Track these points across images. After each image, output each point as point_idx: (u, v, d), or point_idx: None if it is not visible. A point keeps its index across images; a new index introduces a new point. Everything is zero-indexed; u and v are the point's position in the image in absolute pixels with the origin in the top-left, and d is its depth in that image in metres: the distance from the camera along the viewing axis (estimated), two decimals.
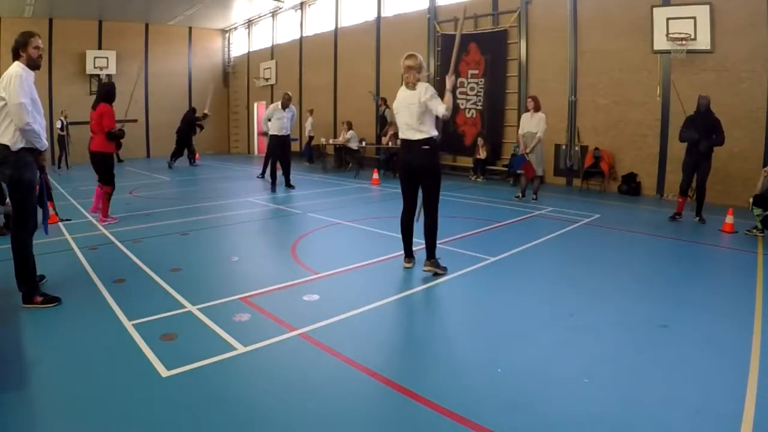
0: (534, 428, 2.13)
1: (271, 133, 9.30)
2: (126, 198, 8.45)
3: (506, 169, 10.79)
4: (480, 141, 11.33)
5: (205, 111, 13.89)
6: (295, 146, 14.94)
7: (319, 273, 4.26)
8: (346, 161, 13.58)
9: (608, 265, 4.71)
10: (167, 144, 15.72)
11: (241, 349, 2.82)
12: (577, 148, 10.06)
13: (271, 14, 18.48)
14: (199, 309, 3.40)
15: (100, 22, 17.24)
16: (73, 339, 2.97)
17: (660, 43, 8.44)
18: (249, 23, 19.78)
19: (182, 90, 19.03)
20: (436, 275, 4.14)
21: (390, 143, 12.36)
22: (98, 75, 17.01)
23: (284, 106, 9.23)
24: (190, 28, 19.53)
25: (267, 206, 7.85)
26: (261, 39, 19.41)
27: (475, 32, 11.58)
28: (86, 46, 16.88)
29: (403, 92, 4.14)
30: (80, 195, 8.51)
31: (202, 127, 14.49)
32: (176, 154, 14.05)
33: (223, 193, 9.44)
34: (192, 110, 14.60)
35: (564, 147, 10.27)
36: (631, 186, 9.16)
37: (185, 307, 3.44)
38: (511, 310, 3.54)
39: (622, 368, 2.67)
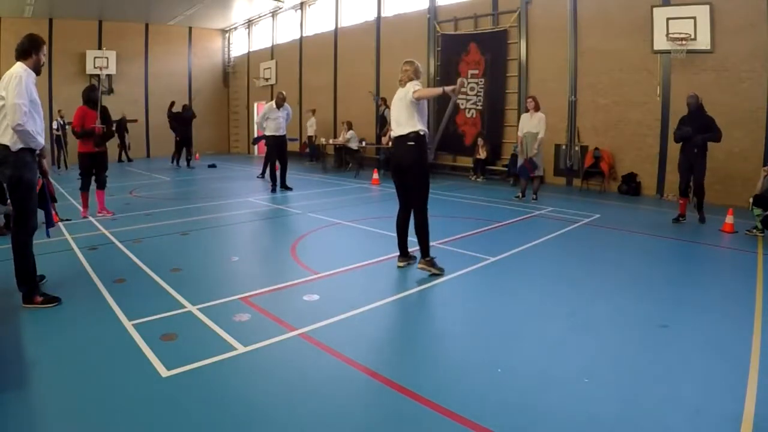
0: (534, 428, 2.13)
1: (267, 133, 9.23)
2: (126, 198, 8.45)
3: (506, 169, 10.79)
4: (480, 141, 11.33)
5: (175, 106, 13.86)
6: (295, 146, 14.98)
7: (319, 273, 4.26)
8: (346, 161, 13.59)
9: (608, 265, 4.71)
10: (167, 144, 15.72)
11: (241, 349, 2.82)
12: (577, 148, 10.06)
13: (271, 14, 18.49)
14: (199, 309, 3.40)
15: (100, 22, 17.25)
16: (73, 339, 2.97)
17: (660, 43, 8.44)
18: (249, 23, 19.78)
19: (182, 90, 19.02)
20: (434, 276, 4.11)
21: (390, 143, 12.36)
22: (98, 75, 17.01)
23: (279, 106, 9.17)
24: (190, 28, 19.53)
25: (267, 206, 7.85)
26: (261, 39, 19.42)
27: (475, 32, 11.58)
28: (86, 46, 16.88)
29: (398, 91, 4.25)
30: (80, 195, 8.50)
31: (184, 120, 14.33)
32: (177, 153, 14.02)
33: (223, 193, 9.44)
34: (188, 108, 14.45)
35: (564, 147, 10.27)
36: (631, 186, 9.16)
37: (185, 307, 3.44)
38: (511, 310, 3.54)
39: (622, 368, 2.67)
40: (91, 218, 6.43)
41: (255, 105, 19.49)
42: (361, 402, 2.40)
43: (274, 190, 9.17)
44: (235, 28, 20.59)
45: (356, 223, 6.34)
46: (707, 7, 8.00)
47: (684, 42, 8.18)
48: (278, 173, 9.40)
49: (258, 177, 11.28)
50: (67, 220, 6.35)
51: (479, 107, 11.62)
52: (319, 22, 16.48)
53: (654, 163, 9.03)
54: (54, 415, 2.23)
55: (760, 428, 2.10)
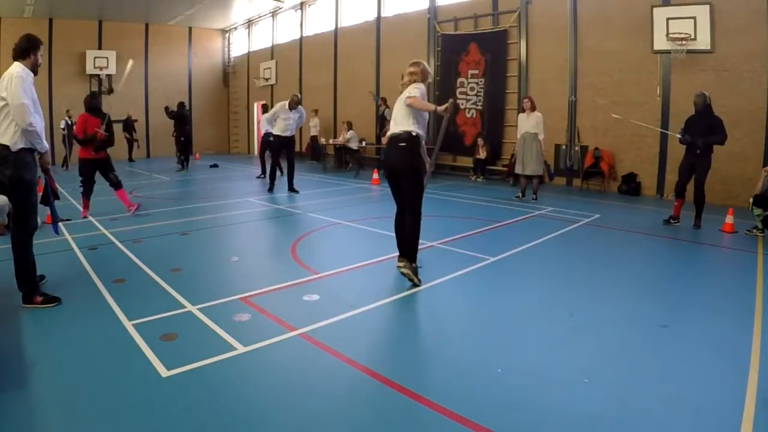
0: (534, 428, 2.13)
1: (275, 133, 8.98)
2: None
3: (506, 169, 10.79)
4: (480, 141, 11.33)
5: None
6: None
7: (319, 273, 4.26)
8: (346, 161, 13.59)
9: (608, 265, 4.71)
10: (167, 144, 15.72)
11: (241, 349, 2.82)
12: (577, 148, 10.06)
13: (271, 14, 18.49)
14: (199, 309, 3.40)
15: (100, 22, 17.25)
16: (73, 339, 2.96)
17: (660, 43, 8.44)
18: (249, 23, 19.78)
19: (182, 90, 19.03)
20: (411, 284, 3.89)
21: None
22: (98, 75, 17.02)
23: (291, 107, 8.94)
24: (190, 28, 19.54)
25: (267, 206, 7.85)
26: (261, 39, 19.42)
27: (475, 32, 11.58)
28: (86, 46, 16.88)
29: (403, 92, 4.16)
30: (80, 195, 8.49)
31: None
32: (184, 154, 13.91)
33: (223, 193, 9.44)
34: (183, 105, 14.33)
35: (564, 147, 10.27)
36: (631, 186, 9.16)
37: (185, 307, 3.44)
38: (511, 310, 3.53)
39: (622, 368, 2.67)
40: (91, 218, 6.42)
41: (255, 105, 19.49)
42: (361, 402, 2.40)
43: (271, 190, 9.10)
44: (235, 28, 20.59)
45: (356, 223, 6.34)
46: (707, 7, 8.00)
47: (684, 42, 8.18)
48: (278, 174, 9.32)
49: (259, 177, 11.27)
50: (67, 220, 6.35)
51: (479, 107, 11.62)
52: (319, 22, 16.49)
53: (654, 163, 9.03)
54: (54, 415, 2.23)
55: (760, 428, 2.10)
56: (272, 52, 18.51)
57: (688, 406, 2.28)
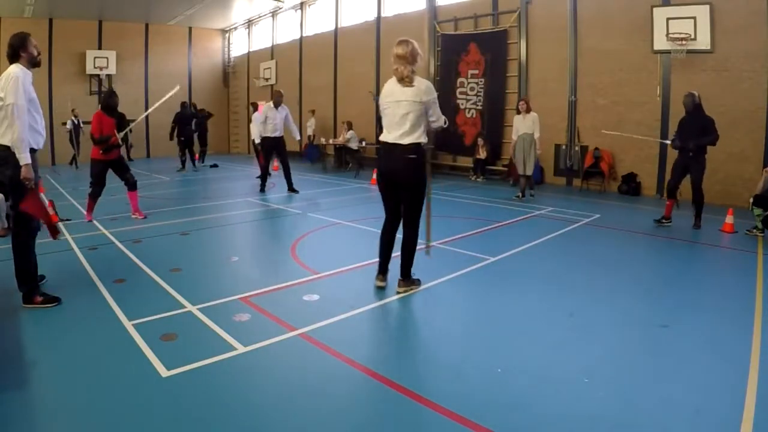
0: (534, 428, 2.13)
1: (264, 135, 8.94)
2: (126, 198, 8.43)
3: (506, 169, 10.79)
4: (480, 141, 11.33)
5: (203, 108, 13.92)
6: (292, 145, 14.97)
7: (319, 273, 4.26)
8: (346, 161, 13.59)
9: (608, 265, 4.71)
10: (167, 144, 15.69)
11: (241, 349, 2.82)
12: (577, 148, 10.06)
13: (271, 14, 18.49)
14: (199, 309, 3.40)
15: (100, 22, 17.25)
16: (73, 339, 2.96)
17: (660, 43, 8.44)
18: (249, 23, 19.78)
19: (182, 90, 18.98)
20: (412, 292, 3.77)
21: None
22: (98, 75, 17.02)
23: (277, 105, 8.94)
24: (190, 28, 19.53)
25: (267, 206, 7.85)
26: (261, 39, 19.42)
27: (475, 32, 11.58)
28: (86, 46, 16.88)
29: (394, 86, 3.53)
30: (80, 195, 8.50)
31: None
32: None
33: (223, 193, 9.44)
34: (186, 106, 14.36)
35: (564, 147, 10.27)
36: (631, 186, 9.16)
37: (185, 307, 3.44)
38: (511, 310, 3.53)
39: (622, 368, 2.67)
40: (94, 221, 6.37)
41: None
42: (360, 402, 2.40)
43: (263, 190, 9.09)
44: (235, 28, 20.59)
45: (356, 223, 6.34)
46: (707, 7, 8.00)
47: (684, 42, 8.18)
48: (271, 174, 9.28)
49: (258, 178, 11.26)
50: (67, 220, 6.35)
51: (479, 107, 11.62)
52: (319, 22, 16.49)
53: (654, 163, 9.03)
54: (54, 415, 2.23)
55: (760, 428, 2.10)
56: (272, 52, 18.51)
57: (688, 406, 2.28)
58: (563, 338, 3.04)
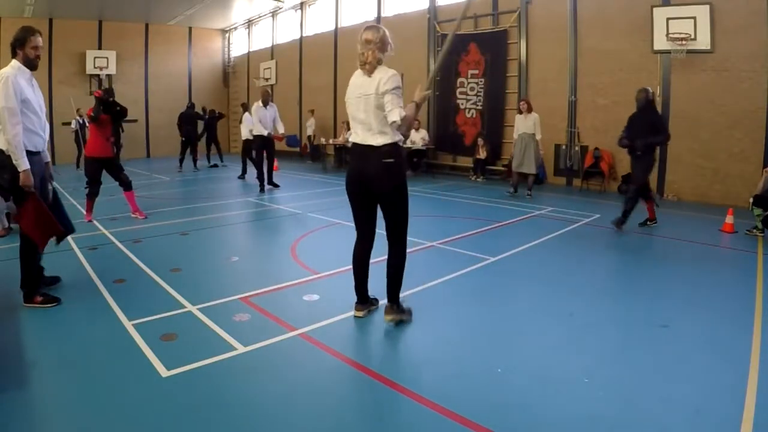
0: (534, 428, 2.13)
1: (255, 133, 9.18)
2: (125, 198, 8.43)
3: (506, 168, 10.79)
4: (480, 141, 11.32)
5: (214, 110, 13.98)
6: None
7: (319, 273, 4.26)
8: (346, 161, 13.59)
9: (608, 265, 4.71)
10: (167, 144, 15.72)
11: (241, 349, 2.82)
12: (577, 148, 10.06)
13: (271, 14, 18.48)
14: (199, 309, 3.40)
15: (100, 22, 17.25)
16: (73, 339, 2.97)
17: (660, 43, 8.44)
18: (249, 23, 19.78)
19: (182, 90, 19.03)
20: (401, 322, 3.22)
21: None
22: (98, 75, 17.03)
23: (265, 103, 9.11)
24: (190, 28, 19.53)
25: (267, 206, 7.85)
26: (261, 39, 19.41)
27: (475, 32, 11.58)
28: (86, 46, 16.88)
29: (357, 78, 3.07)
30: (80, 195, 8.49)
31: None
32: (193, 154, 13.89)
33: (222, 193, 9.44)
34: (193, 106, 14.42)
35: (564, 147, 10.27)
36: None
37: (185, 307, 3.44)
38: (511, 310, 3.54)
39: (622, 368, 2.67)
40: (94, 221, 6.37)
41: (255, 105, 19.45)
42: (360, 401, 2.40)
43: (262, 190, 9.18)
44: (235, 28, 20.59)
45: None
46: (707, 7, 8.00)
47: (684, 42, 8.18)
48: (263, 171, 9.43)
49: (257, 178, 11.25)
50: None
51: (479, 107, 11.62)
52: (319, 22, 16.48)
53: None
54: (54, 415, 2.23)
55: (760, 428, 2.10)
56: (272, 52, 18.50)
57: (688, 406, 2.28)
58: (563, 338, 3.04)
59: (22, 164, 3.17)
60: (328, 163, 14.34)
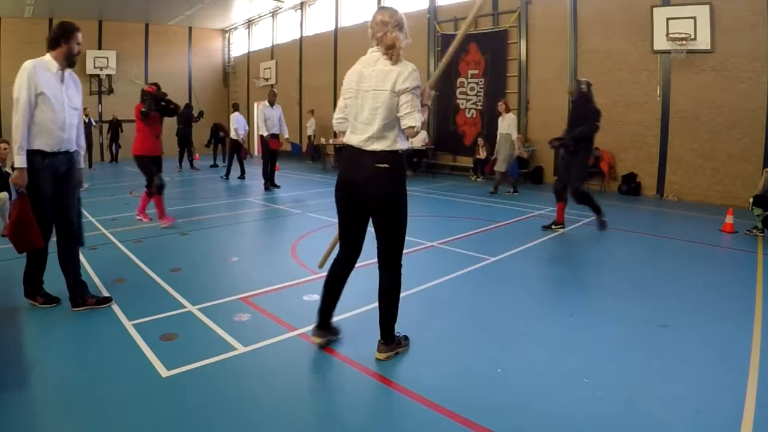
0: (534, 428, 2.13)
1: (260, 132, 9.33)
2: (126, 198, 8.45)
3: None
4: (480, 141, 11.33)
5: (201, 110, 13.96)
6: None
7: (319, 273, 4.25)
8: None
9: (608, 265, 4.71)
10: (167, 144, 15.64)
11: (241, 349, 2.82)
12: None
13: (271, 14, 18.48)
14: (199, 309, 3.40)
15: (100, 22, 17.25)
16: (74, 339, 2.97)
17: (660, 43, 8.45)
18: (249, 23, 19.78)
19: (182, 90, 19.01)
20: (397, 355, 2.80)
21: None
22: (98, 75, 17.03)
23: (272, 104, 9.29)
24: (190, 28, 19.53)
25: (267, 206, 7.85)
26: (261, 39, 19.41)
27: (475, 32, 11.58)
28: (86, 46, 16.75)
29: (366, 67, 2.60)
30: (83, 195, 8.49)
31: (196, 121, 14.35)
32: (180, 156, 13.99)
33: (222, 193, 9.44)
34: (189, 107, 14.46)
35: None
36: (631, 186, 9.17)
37: (185, 307, 3.44)
38: (511, 310, 3.53)
39: (622, 368, 2.67)
40: (91, 218, 6.40)
41: (255, 105, 19.47)
42: (361, 402, 2.40)
43: (267, 188, 9.31)
44: (235, 28, 20.59)
45: None
46: (707, 7, 8.00)
47: (684, 42, 8.19)
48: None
49: (239, 178, 11.25)
50: None
51: (479, 107, 11.62)
52: (319, 22, 16.48)
53: (654, 163, 9.03)
54: (54, 416, 2.22)
55: (760, 428, 2.10)
56: (272, 52, 18.50)
57: (688, 406, 2.28)
58: (563, 338, 3.04)
59: (18, 160, 3.02)
60: (328, 163, 14.34)
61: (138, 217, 6.51)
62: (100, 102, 17.29)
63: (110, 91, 17.35)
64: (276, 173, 9.82)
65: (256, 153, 9.55)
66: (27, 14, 15.23)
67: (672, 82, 8.67)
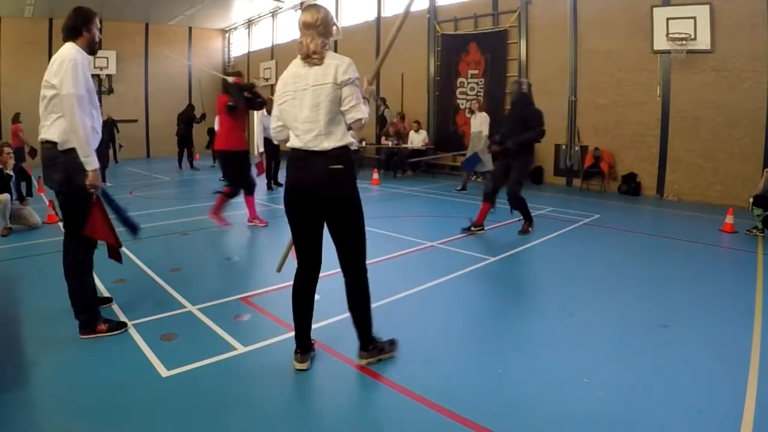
0: (534, 428, 2.13)
1: (265, 135, 9.44)
2: (126, 198, 8.44)
3: None
4: None
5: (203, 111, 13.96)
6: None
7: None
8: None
9: (608, 265, 4.71)
10: (167, 144, 15.70)
11: (241, 349, 2.82)
12: (577, 148, 10.06)
13: (271, 14, 18.48)
14: (199, 309, 3.40)
15: (100, 22, 17.09)
16: (73, 339, 2.96)
17: (660, 43, 8.44)
18: (249, 23, 19.77)
19: (182, 90, 19.02)
20: (380, 361, 2.71)
21: (390, 143, 12.37)
22: (98, 75, 17.02)
23: (269, 112, 9.34)
24: (190, 28, 19.53)
25: (267, 206, 7.85)
26: (261, 39, 19.41)
27: (475, 32, 11.58)
28: None
29: (299, 68, 2.48)
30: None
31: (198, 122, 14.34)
32: (180, 156, 13.97)
33: None
34: (191, 107, 14.47)
35: (564, 147, 10.27)
36: (631, 186, 9.16)
37: (185, 307, 3.44)
38: (511, 310, 3.54)
39: (622, 368, 2.67)
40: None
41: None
42: (361, 402, 2.40)
43: (270, 188, 9.44)
44: (235, 28, 20.59)
45: None
46: (707, 7, 8.00)
47: (684, 42, 8.18)
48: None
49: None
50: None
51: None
52: None
53: (654, 163, 9.03)
54: (54, 416, 2.22)
55: (760, 428, 2.10)
56: (272, 52, 18.50)
57: (688, 406, 2.28)
58: (563, 338, 3.04)
59: (92, 162, 2.73)
60: None
61: (250, 224, 6.18)
62: (100, 102, 17.21)
63: (110, 91, 17.34)
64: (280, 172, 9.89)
65: (256, 153, 9.53)
66: (27, 14, 15.23)
67: (672, 82, 8.67)
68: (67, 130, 2.69)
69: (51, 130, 2.74)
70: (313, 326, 2.79)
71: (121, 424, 2.13)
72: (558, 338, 3.04)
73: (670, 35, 8.27)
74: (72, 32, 2.80)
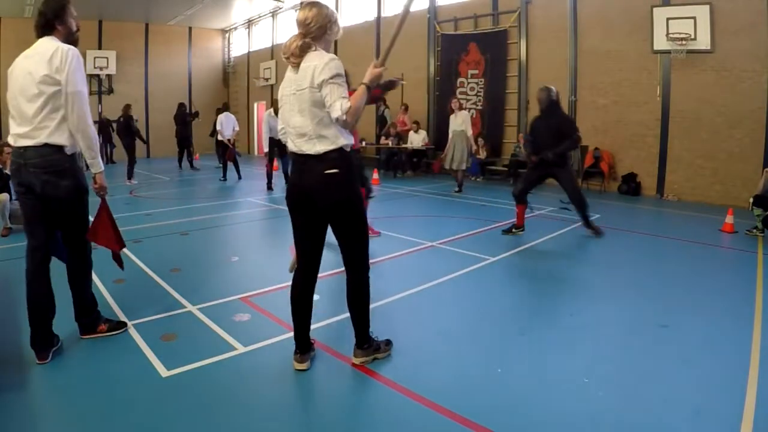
0: (534, 428, 2.13)
1: (271, 135, 9.44)
2: (126, 198, 8.45)
3: (506, 168, 10.80)
4: (480, 141, 11.33)
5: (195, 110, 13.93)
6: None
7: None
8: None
9: (608, 265, 4.71)
10: (167, 144, 15.69)
11: (241, 349, 2.82)
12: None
13: (271, 14, 18.48)
14: (199, 309, 3.40)
15: (100, 22, 17.25)
16: (73, 339, 2.96)
17: (660, 43, 8.44)
18: (249, 23, 19.78)
19: (182, 90, 19.03)
20: (376, 360, 2.73)
21: (390, 143, 12.37)
22: (98, 75, 17.04)
23: (276, 112, 9.36)
24: (190, 28, 19.54)
25: (267, 206, 7.85)
26: (261, 39, 19.41)
27: (475, 32, 11.58)
28: (86, 46, 16.85)
29: (289, 71, 2.45)
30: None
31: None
32: (180, 156, 13.95)
33: (222, 193, 9.44)
34: (182, 105, 14.27)
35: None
36: (631, 186, 9.17)
37: (185, 307, 3.45)
38: (511, 310, 3.53)
39: (622, 368, 2.67)
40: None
41: (255, 105, 19.49)
42: (360, 402, 2.40)
43: (270, 188, 9.37)
44: (235, 28, 20.59)
45: None
46: (707, 7, 8.00)
47: (684, 42, 8.19)
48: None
49: (221, 180, 11.26)
50: None
51: (479, 107, 11.62)
52: None
53: (654, 163, 9.04)
54: (54, 416, 2.23)
55: (760, 428, 2.10)
56: (272, 52, 18.49)
57: (688, 406, 2.28)
58: (563, 338, 3.04)
59: (98, 163, 2.66)
60: None
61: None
62: (100, 102, 17.28)
63: (110, 91, 17.35)
64: (276, 173, 9.85)
65: (257, 153, 9.55)
66: (27, 14, 15.21)
67: (672, 82, 8.67)
68: (72, 131, 2.54)
69: (57, 133, 2.52)
70: (313, 326, 2.79)
71: (121, 424, 2.13)
72: (558, 338, 3.04)
73: (670, 35, 8.27)
74: (46, 28, 2.55)
